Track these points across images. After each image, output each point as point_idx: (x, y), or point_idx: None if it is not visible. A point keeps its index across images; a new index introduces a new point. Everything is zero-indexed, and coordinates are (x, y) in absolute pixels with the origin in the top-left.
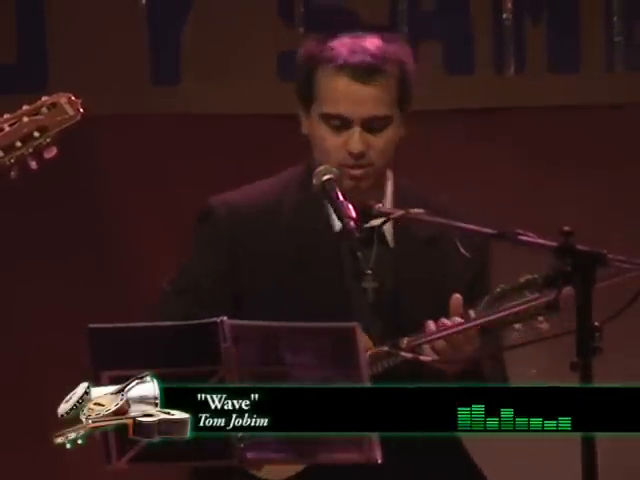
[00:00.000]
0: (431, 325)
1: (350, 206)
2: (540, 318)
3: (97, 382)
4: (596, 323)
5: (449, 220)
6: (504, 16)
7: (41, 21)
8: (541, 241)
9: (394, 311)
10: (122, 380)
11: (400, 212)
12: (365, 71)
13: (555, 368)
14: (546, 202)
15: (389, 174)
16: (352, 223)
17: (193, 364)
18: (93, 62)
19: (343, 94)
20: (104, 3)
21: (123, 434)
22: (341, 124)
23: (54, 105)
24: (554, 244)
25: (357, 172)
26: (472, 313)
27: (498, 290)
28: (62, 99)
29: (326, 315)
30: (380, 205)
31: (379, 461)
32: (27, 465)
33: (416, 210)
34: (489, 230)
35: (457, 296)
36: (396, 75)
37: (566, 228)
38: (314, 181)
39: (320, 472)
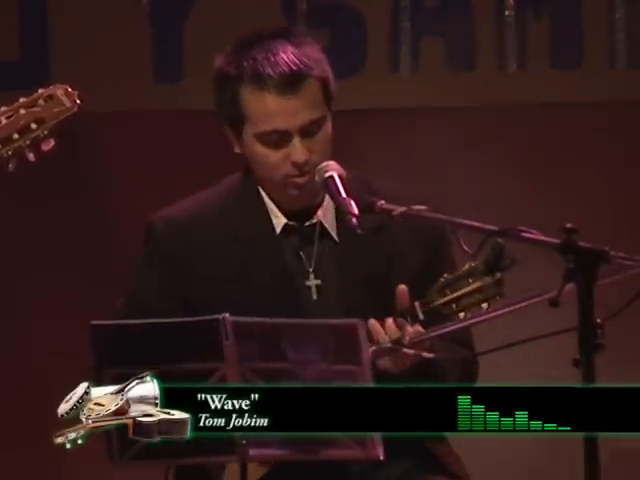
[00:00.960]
0: (375, 325)
1: (353, 203)
2: (484, 305)
3: (99, 379)
4: (598, 320)
5: (450, 217)
6: (506, 12)
7: (43, 18)
8: (544, 238)
9: (340, 307)
10: (125, 377)
11: (402, 208)
12: (291, 82)
13: (557, 365)
14: (547, 199)
15: None
16: (355, 220)
17: (195, 361)
18: (95, 59)
19: (275, 110)
20: (106, 0)
21: (125, 432)
22: (280, 138)
23: (51, 97)
24: (557, 241)
25: (301, 180)
26: (418, 306)
27: (442, 280)
28: (59, 91)
29: (275, 316)
30: (382, 202)
31: (381, 458)
32: (27, 464)
33: (418, 206)
34: (491, 227)
35: (402, 287)
36: (318, 75)
37: (568, 225)
38: (316, 178)
39: (290, 470)
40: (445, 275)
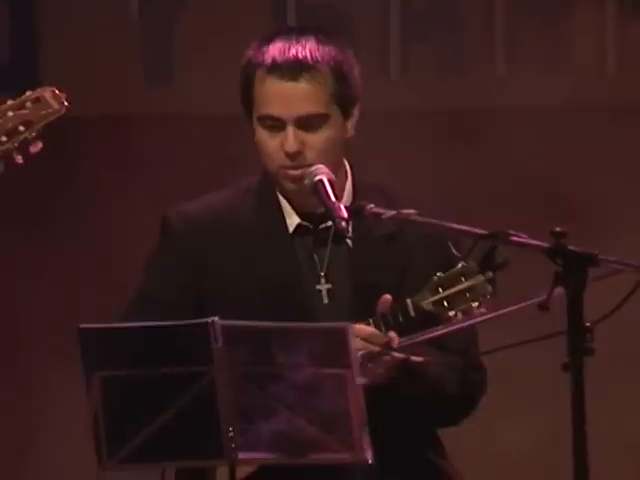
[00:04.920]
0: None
1: (342, 206)
2: (475, 304)
3: (89, 382)
4: (587, 323)
5: (440, 221)
6: (496, 17)
7: (33, 21)
8: (533, 242)
9: (350, 312)
10: (115, 381)
11: (392, 212)
12: (294, 69)
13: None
14: (534, 203)
15: (348, 172)
16: (343, 223)
17: (184, 364)
18: (85, 62)
19: (274, 94)
20: (96, 4)
21: (115, 435)
22: (275, 125)
23: (38, 99)
24: (546, 245)
25: (295, 173)
26: (409, 303)
27: (435, 278)
28: (46, 93)
29: (283, 317)
30: (372, 205)
31: (370, 462)
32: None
33: (407, 211)
34: (481, 231)
35: (387, 297)
36: (329, 73)
37: (558, 229)
38: (305, 181)
39: (276, 470)
40: (438, 274)
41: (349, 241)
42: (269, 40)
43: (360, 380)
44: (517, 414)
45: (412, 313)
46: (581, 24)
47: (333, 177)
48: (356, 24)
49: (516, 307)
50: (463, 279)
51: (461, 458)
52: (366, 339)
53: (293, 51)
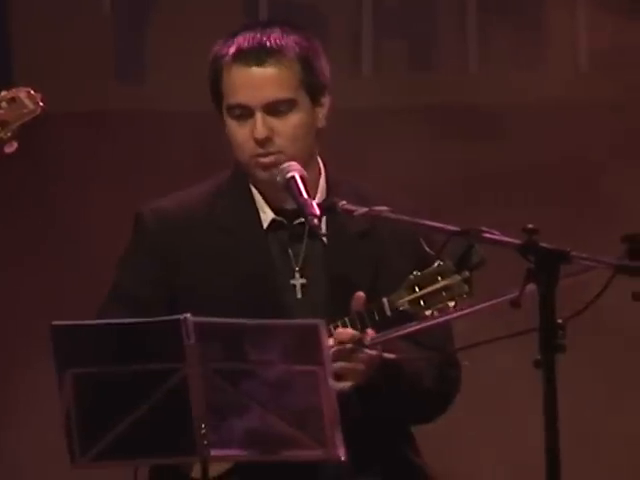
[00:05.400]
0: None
1: (314, 203)
2: (451, 303)
3: (61, 380)
4: (559, 320)
5: (412, 218)
6: (468, 13)
7: (5, 20)
8: (505, 239)
9: (324, 307)
10: (87, 378)
11: (364, 209)
12: (259, 54)
13: (519, 366)
14: (509, 200)
15: (322, 168)
16: (315, 220)
17: (157, 361)
18: (58, 60)
19: (240, 82)
20: (69, 3)
21: (87, 432)
22: (243, 113)
23: (13, 99)
24: (518, 242)
25: (266, 160)
26: (386, 302)
27: (411, 277)
28: (21, 93)
29: (257, 312)
30: (344, 202)
31: (342, 459)
32: None
33: (379, 207)
34: (453, 227)
35: (360, 294)
36: (295, 59)
37: (530, 226)
38: (278, 178)
39: (251, 467)
40: (414, 272)
41: (324, 237)
42: (235, 34)
43: (344, 385)
44: (486, 412)
45: (388, 312)
46: (553, 21)
47: (305, 174)
48: (328, 21)
49: (488, 304)
50: (439, 278)
51: (431, 456)
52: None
53: (258, 38)
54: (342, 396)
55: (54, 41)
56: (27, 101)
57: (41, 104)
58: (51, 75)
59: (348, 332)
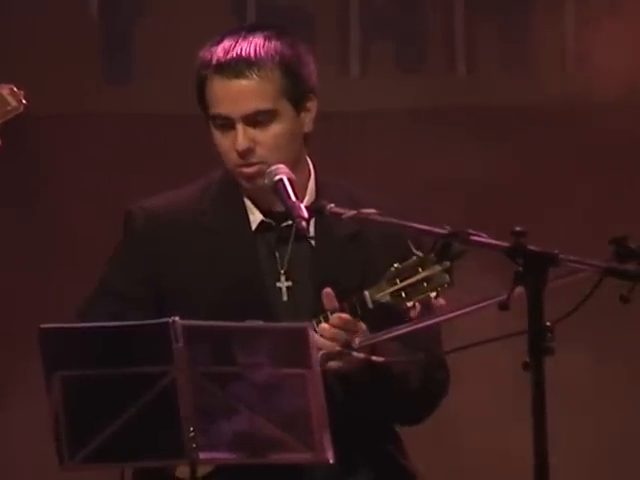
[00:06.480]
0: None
1: (302, 206)
2: (433, 294)
3: (49, 383)
4: (548, 323)
5: (400, 221)
6: (456, 16)
7: None
8: (493, 241)
9: (309, 310)
10: (75, 381)
11: (352, 212)
12: (236, 67)
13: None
14: (499, 201)
15: (311, 171)
16: (303, 223)
17: (145, 364)
18: (44, 61)
19: (220, 94)
20: (56, 4)
21: (75, 435)
22: (225, 123)
23: None
24: (506, 244)
25: (249, 170)
26: (367, 295)
27: (392, 269)
28: (4, 91)
29: (243, 314)
30: (332, 205)
31: (331, 461)
32: None
33: (367, 210)
34: (441, 230)
35: (328, 290)
36: (275, 68)
37: (518, 228)
38: (265, 181)
39: (238, 468)
40: (395, 265)
41: (311, 240)
42: (219, 40)
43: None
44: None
45: (370, 305)
46: (540, 23)
47: (293, 176)
48: (315, 23)
49: (477, 306)
50: (420, 269)
51: (419, 458)
52: (332, 338)
53: (238, 49)
54: (330, 398)
55: (40, 43)
56: (10, 98)
57: (24, 102)
58: (39, 77)
59: (342, 316)
